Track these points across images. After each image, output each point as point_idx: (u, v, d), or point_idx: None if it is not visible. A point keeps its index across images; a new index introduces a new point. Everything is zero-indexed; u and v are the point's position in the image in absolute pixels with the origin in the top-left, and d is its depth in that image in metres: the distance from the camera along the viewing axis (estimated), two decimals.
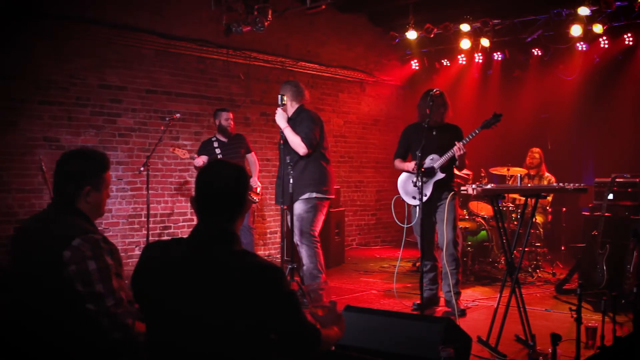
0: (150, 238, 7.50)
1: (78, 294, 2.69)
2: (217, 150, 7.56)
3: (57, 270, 2.69)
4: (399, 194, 6.24)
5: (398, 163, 6.25)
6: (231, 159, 7.00)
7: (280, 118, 6.13)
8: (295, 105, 6.24)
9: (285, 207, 6.25)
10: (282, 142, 6.16)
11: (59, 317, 2.72)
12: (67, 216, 2.88)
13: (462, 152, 5.78)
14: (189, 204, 8.63)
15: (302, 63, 10.26)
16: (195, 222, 2.41)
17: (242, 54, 9.36)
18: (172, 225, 8.54)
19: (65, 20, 7.57)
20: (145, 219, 7.63)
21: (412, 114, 6.36)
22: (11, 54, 7.23)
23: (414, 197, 6.06)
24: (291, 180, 6.05)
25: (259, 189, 7.66)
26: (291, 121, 6.18)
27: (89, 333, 2.73)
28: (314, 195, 6.07)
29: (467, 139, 5.86)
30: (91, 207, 2.94)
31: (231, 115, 7.70)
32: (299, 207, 6.10)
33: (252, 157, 7.83)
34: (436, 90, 5.88)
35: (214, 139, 7.72)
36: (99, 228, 7.92)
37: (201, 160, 7.43)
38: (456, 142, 5.79)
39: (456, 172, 6.43)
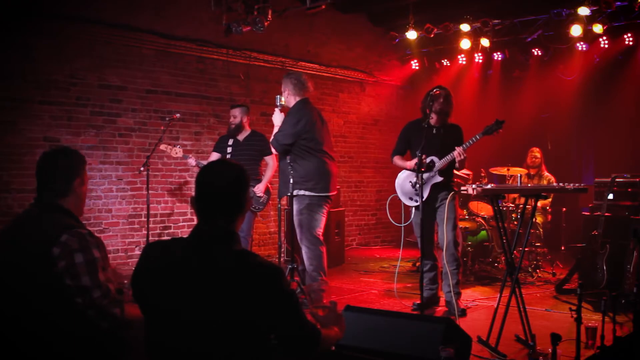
0: (150, 238, 7.51)
1: (68, 289, 2.72)
2: (229, 149, 7.22)
3: (47, 267, 2.71)
4: (396, 193, 6.24)
5: (397, 160, 6.22)
6: (240, 160, 6.89)
7: (277, 118, 6.15)
8: (296, 99, 6.11)
9: (283, 201, 6.23)
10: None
11: (51, 314, 2.74)
12: (52, 214, 2.92)
13: (462, 157, 5.76)
14: (189, 204, 8.63)
15: (302, 63, 10.26)
16: (195, 222, 2.41)
17: (242, 54, 9.37)
18: (172, 225, 8.54)
19: (65, 20, 7.57)
20: (145, 219, 7.63)
21: (412, 114, 6.33)
22: (11, 54, 7.24)
23: (411, 198, 6.07)
24: (291, 180, 6.05)
25: (262, 198, 7.21)
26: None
27: (79, 327, 2.76)
28: (302, 192, 6.00)
29: (467, 144, 5.81)
30: (77, 200, 2.99)
31: (236, 113, 7.23)
32: (295, 207, 6.10)
33: (270, 160, 7.28)
34: (436, 90, 5.87)
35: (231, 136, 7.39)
36: (99, 228, 7.96)
37: (194, 160, 7.27)
38: (456, 148, 5.75)
39: (456, 172, 6.43)
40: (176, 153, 7.40)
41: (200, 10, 8.63)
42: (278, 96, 6.16)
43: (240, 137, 7.24)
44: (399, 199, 6.22)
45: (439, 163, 5.88)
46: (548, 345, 4.10)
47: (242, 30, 8.19)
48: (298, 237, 6.13)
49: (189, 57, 8.82)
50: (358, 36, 11.17)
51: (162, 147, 7.43)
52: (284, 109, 6.16)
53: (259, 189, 7.11)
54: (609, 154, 9.62)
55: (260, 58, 9.64)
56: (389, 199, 6.24)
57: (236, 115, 7.24)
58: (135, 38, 8.21)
